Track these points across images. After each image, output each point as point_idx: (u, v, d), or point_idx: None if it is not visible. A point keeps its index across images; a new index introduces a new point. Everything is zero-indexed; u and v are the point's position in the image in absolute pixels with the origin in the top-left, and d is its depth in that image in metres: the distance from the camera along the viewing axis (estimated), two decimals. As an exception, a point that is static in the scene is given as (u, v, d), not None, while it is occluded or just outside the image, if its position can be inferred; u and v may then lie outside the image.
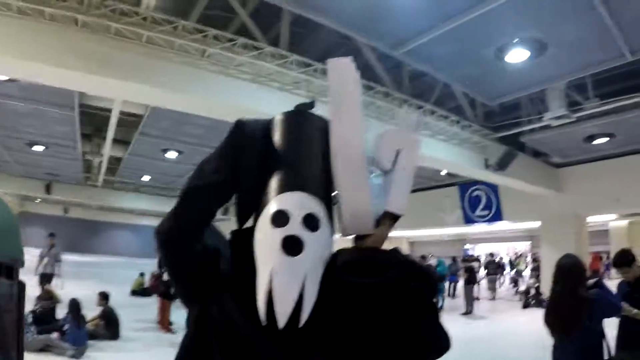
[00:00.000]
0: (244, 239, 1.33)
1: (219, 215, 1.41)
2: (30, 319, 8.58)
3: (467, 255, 25.76)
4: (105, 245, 36.32)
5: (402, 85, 9.94)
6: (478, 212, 17.63)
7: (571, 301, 3.82)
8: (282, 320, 1.19)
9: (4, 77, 9.00)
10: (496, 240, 28.72)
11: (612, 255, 13.66)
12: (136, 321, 11.22)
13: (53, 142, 14.55)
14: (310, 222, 1.24)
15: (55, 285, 11.73)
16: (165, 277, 10.10)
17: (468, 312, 15.14)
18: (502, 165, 11.24)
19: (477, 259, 25.13)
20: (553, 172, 14.90)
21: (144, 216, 34.36)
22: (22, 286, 0.98)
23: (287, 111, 1.44)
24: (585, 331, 3.79)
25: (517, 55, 8.00)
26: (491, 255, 21.94)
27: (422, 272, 1.35)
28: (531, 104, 10.76)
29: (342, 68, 1.39)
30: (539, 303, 15.40)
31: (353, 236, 1.43)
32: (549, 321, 4.02)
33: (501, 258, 26.27)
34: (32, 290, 9.58)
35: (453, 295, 19.52)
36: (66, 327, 8.63)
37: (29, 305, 9.28)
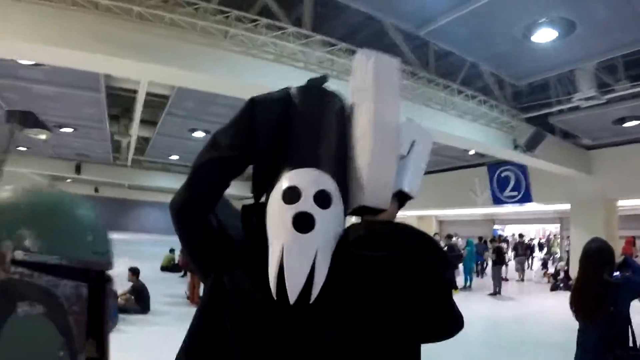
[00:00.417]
0: (256, 212, 1.36)
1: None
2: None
3: (496, 236, 25.55)
4: (135, 223, 37.09)
5: (428, 64, 9.80)
6: (507, 192, 17.44)
7: (596, 286, 3.75)
8: (292, 296, 1.20)
9: (30, 62, 9.12)
10: (525, 222, 28.33)
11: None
12: (166, 296, 11.47)
13: (81, 124, 14.81)
14: (322, 199, 1.25)
15: None
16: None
17: (496, 292, 15.10)
18: (530, 146, 11.03)
19: (506, 240, 24.90)
20: (583, 154, 14.61)
21: (173, 194, 34.87)
22: (101, 289, 1.02)
23: (301, 86, 1.46)
24: (610, 317, 3.72)
25: (545, 35, 7.78)
26: (520, 236, 21.66)
27: (436, 247, 1.33)
28: (560, 85, 10.53)
29: (389, 64, 1.45)
30: (567, 286, 15.22)
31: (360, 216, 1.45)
32: (574, 305, 3.96)
33: (531, 240, 25.94)
34: None
35: (481, 275, 19.43)
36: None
37: None
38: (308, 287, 1.21)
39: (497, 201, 17.96)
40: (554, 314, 12.09)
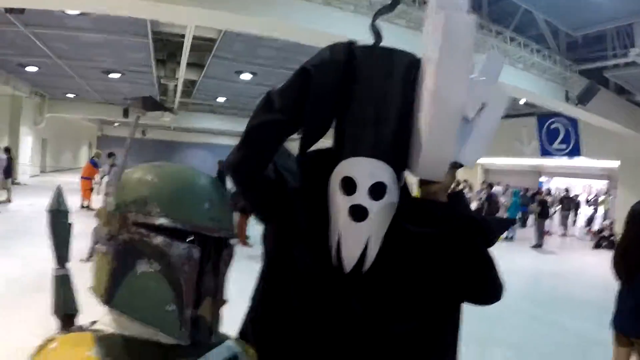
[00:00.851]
0: (314, 165, 1.44)
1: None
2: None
3: (541, 188, 25.11)
4: (182, 164, 37.77)
5: (481, 8, 9.47)
6: (555, 145, 17.04)
7: (638, 248, 3.69)
8: (348, 268, 1.35)
9: (76, 12, 9.21)
10: (572, 176, 27.59)
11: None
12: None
13: (128, 69, 15.10)
14: (377, 191, 1.32)
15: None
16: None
17: (538, 245, 15.00)
18: (583, 99, 10.67)
19: (551, 193, 24.44)
20: (636, 112, 14.00)
21: (220, 136, 35.41)
22: (219, 254, 1.11)
23: (365, 47, 1.42)
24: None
25: (603, -16, 7.36)
26: (566, 190, 21.21)
27: (480, 226, 1.38)
28: (617, 38, 10.03)
29: (463, 25, 1.29)
30: (610, 245, 14.96)
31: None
32: (615, 266, 3.92)
33: (577, 195, 25.33)
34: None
35: (523, 225, 19.26)
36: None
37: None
38: (361, 261, 1.35)
39: (545, 153, 17.58)
40: (594, 272, 11.99)
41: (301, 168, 1.47)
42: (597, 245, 15.81)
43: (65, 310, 1.46)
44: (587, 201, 25.20)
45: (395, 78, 1.38)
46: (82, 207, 14.07)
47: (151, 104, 1.09)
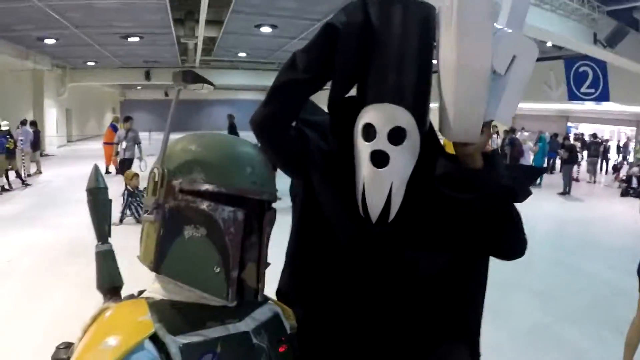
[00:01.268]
0: (343, 114, 1.46)
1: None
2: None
3: (570, 133, 24.65)
4: (207, 121, 37.75)
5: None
6: (584, 89, 16.60)
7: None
8: (374, 216, 1.39)
9: None
10: (600, 122, 26.98)
11: None
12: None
13: (147, 32, 15.05)
14: (396, 136, 1.34)
15: (139, 167, 11.59)
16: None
17: (565, 192, 14.92)
18: (611, 42, 10.33)
19: (580, 139, 24.00)
20: (668, 55, 13.46)
21: (242, 91, 35.42)
22: (261, 216, 1.17)
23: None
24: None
25: None
26: (594, 136, 20.78)
27: (516, 193, 1.39)
28: (648, -24, 9.61)
29: None
30: (638, 193, 14.71)
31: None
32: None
33: (607, 140, 24.81)
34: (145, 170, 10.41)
35: (551, 171, 19.05)
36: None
37: (144, 183, 10.20)
38: (386, 209, 1.38)
39: (573, 97, 17.16)
40: (621, 220, 11.91)
41: (331, 119, 1.51)
42: (625, 193, 15.56)
43: (110, 284, 1.53)
44: (618, 147, 24.69)
45: (410, 29, 1.38)
46: (107, 172, 14.26)
47: (192, 77, 1.10)
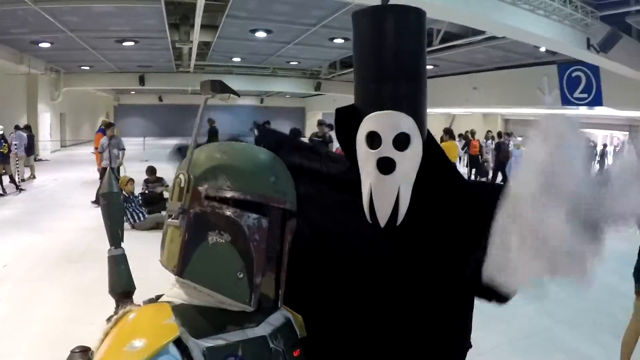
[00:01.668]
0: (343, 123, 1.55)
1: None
2: (139, 201, 9.52)
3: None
4: (201, 127, 37.81)
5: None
6: (577, 94, 16.67)
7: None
8: (382, 221, 1.44)
9: None
10: (593, 126, 27.21)
11: None
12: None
13: (142, 36, 15.02)
14: (401, 142, 1.41)
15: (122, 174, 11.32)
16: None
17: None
18: (605, 47, 10.41)
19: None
20: (660, 60, 13.57)
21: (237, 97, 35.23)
22: (283, 224, 1.20)
23: (379, 7, 1.52)
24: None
25: None
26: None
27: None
28: (641, -18, 9.68)
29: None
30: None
31: None
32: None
33: (605, 145, 24.97)
34: (139, 175, 10.30)
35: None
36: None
37: (138, 189, 10.14)
38: (395, 214, 1.43)
39: (566, 102, 17.22)
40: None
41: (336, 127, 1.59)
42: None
43: (123, 289, 1.52)
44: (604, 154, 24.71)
45: (402, 35, 1.47)
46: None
47: (220, 87, 1.12)
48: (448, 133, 12.39)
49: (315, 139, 10.69)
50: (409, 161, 1.43)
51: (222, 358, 0.99)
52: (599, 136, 27.59)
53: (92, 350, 1.11)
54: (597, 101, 16.06)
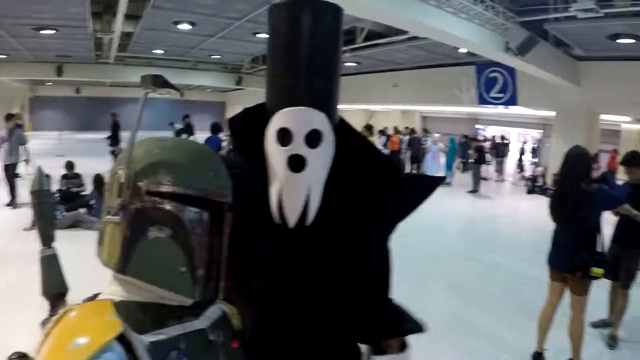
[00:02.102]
0: (247, 123, 1.50)
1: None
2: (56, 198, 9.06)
3: (478, 134, 25.95)
4: (121, 120, 36.54)
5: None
6: (493, 93, 17.44)
7: (574, 191, 4.02)
8: (292, 221, 1.40)
9: None
10: (508, 125, 28.60)
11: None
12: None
13: (63, 24, 14.21)
14: (313, 139, 1.37)
15: (26, 170, 10.55)
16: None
17: (475, 190, 15.63)
18: (522, 50, 10.95)
19: (488, 140, 25.31)
20: (573, 65, 14.52)
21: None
22: (221, 217, 1.19)
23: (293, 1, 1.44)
24: (583, 222, 4.03)
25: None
26: (502, 138, 22.05)
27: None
28: (559, -8, 10.29)
29: None
30: (542, 191, 15.76)
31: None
32: (552, 207, 4.26)
33: (524, 142, 26.27)
34: (56, 170, 9.76)
35: (465, 171, 20.05)
36: (92, 202, 9.09)
37: (55, 185, 9.57)
38: (304, 213, 1.40)
39: (483, 101, 18.00)
40: (527, 215, 12.75)
41: (237, 135, 1.56)
42: (531, 191, 16.61)
43: (57, 290, 1.48)
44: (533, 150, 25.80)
45: (318, 31, 1.42)
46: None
47: (161, 82, 1.12)
48: (369, 129, 12.67)
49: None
50: (321, 159, 1.39)
51: (165, 352, 1.00)
52: (514, 134, 29.07)
53: (29, 356, 1.12)
54: (512, 101, 16.88)
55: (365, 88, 21.75)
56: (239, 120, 1.53)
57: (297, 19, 1.40)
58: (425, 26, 9.44)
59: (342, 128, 1.48)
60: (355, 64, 19.72)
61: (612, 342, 4.92)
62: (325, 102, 1.42)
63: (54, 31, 14.88)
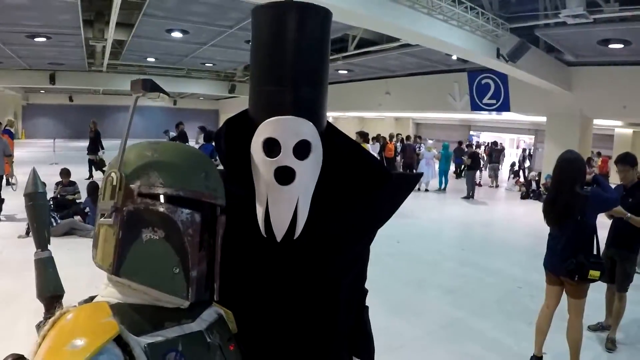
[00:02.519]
0: (231, 132, 1.42)
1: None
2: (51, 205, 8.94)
3: (471, 141, 26.04)
4: (112, 128, 36.43)
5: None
6: (486, 100, 17.52)
7: (567, 196, 4.03)
8: (279, 235, 1.34)
9: None
10: (501, 131, 28.77)
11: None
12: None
13: (55, 32, 14.19)
14: (302, 150, 1.29)
15: (12, 181, 10.42)
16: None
17: (469, 196, 15.68)
18: (513, 57, 11.03)
19: (481, 145, 25.42)
20: (564, 70, 14.62)
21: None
22: (214, 216, 1.19)
23: (281, 3, 1.37)
24: (578, 226, 4.04)
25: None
26: (495, 144, 22.14)
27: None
28: (549, -2, 10.39)
29: None
30: (537, 196, 15.82)
31: None
32: (546, 212, 4.27)
33: (524, 150, 26.39)
34: (50, 178, 9.54)
35: (460, 177, 20.11)
36: (87, 209, 9.08)
37: (50, 193, 9.49)
38: (292, 226, 1.33)
39: (476, 107, 18.08)
40: (522, 220, 12.74)
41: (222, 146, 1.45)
42: (525, 196, 16.68)
43: (52, 292, 1.47)
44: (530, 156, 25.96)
45: (307, 35, 1.34)
46: (7, 183, 11.19)
47: (150, 86, 1.09)
48: (363, 136, 12.70)
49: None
50: (309, 171, 1.32)
51: (163, 353, 1.00)
52: (506, 140, 29.25)
53: (25, 358, 1.10)
54: (504, 107, 16.96)
55: (358, 95, 21.83)
56: (223, 133, 1.44)
57: (284, 21, 1.32)
58: (417, 33, 9.49)
59: (329, 133, 1.41)
60: (347, 72, 19.79)
61: (611, 345, 4.92)
62: (313, 110, 1.34)
63: (46, 39, 14.88)
